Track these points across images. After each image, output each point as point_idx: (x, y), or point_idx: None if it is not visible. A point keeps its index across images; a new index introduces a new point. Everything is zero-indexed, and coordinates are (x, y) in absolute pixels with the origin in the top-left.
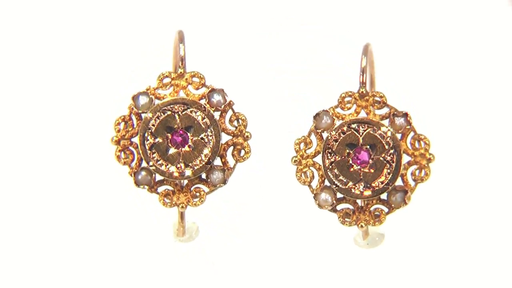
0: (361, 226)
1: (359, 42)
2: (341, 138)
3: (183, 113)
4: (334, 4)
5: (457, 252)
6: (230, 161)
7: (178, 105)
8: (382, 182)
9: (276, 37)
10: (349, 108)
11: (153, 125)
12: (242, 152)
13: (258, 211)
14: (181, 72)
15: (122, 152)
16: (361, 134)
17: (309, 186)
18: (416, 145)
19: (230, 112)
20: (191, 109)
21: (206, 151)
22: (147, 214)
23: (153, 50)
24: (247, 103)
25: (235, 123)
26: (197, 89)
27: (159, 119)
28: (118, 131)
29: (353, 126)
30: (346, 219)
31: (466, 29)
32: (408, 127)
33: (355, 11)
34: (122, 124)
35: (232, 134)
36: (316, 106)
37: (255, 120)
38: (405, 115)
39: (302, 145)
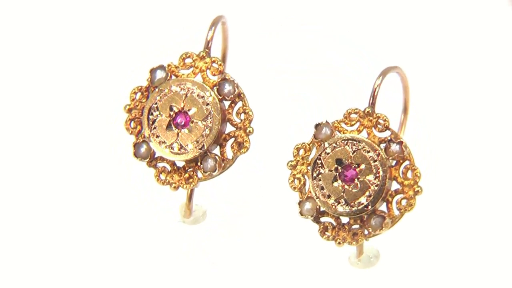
0: (338, 243)
1: (359, 42)
2: (332, 152)
3: (190, 95)
4: (334, 4)
5: (457, 255)
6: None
7: (188, 86)
8: (361, 203)
9: (276, 37)
10: (352, 125)
11: (160, 100)
12: (241, 145)
13: (258, 211)
14: (203, 55)
15: (132, 122)
16: (353, 152)
17: (299, 192)
18: (408, 174)
19: (240, 104)
20: (197, 92)
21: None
22: (147, 215)
23: (153, 50)
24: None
25: (242, 116)
26: (214, 75)
27: (166, 95)
28: (133, 100)
29: (347, 142)
30: (326, 233)
31: (466, 29)
32: (402, 155)
33: (355, 11)
34: (138, 94)
35: (235, 126)
36: (316, 106)
37: (255, 120)
38: (400, 143)
39: (301, 151)
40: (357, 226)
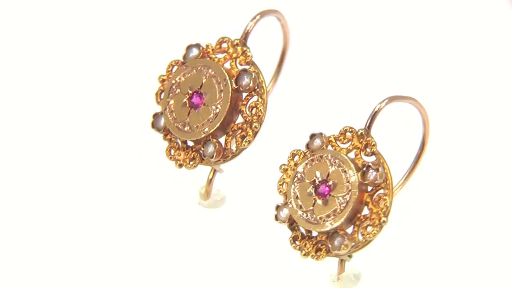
0: (304, 255)
1: (365, 42)
2: (314, 164)
3: (209, 79)
4: (337, 4)
5: (457, 255)
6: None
7: (210, 70)
8: (323, 219)
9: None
10: (345, 143)
11: (183, 77)
12: (244, 139)
13: (258, 212)
14: (236, 43)
15: (162, 93)
16: (331, 168)
17: (284, 196)
18: (379, 203)
19: (255, 99)
20: (217, 78)
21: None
22: (167, 194)
23: (154, 50)
24: None
25: (253, 110)
26: (241, 65)
27: (189, 74)
28: (168, 71)
29: (329, 158)
30: (296, 242)
31: (466, 29)
32: (376, 182)
33: (356, 11)
34: (175, 68)
35: (245, 119)
36: (318, 107)
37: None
38: (377, 170)
39: (296, 157)
40: (322, 241)
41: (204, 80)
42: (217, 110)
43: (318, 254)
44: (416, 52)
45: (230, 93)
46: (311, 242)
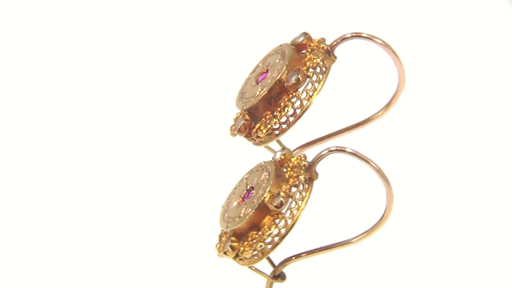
0: (218, 253)
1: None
2: (254, 173)
3: (274, 64)
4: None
5: (457, 255)
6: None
7: (281, 59)
8: (227, 220)
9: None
10: (288, 171)
11: (268, 56)
12: (261, 127)
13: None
14: (321, 47)
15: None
16: (261, 179)
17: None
18: (270, 225)
19: (288, 98)
20: (279, 67)
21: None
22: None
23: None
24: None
25: (285, 109)
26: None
27: (270, 56)
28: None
29: (265, 170)
30: (220, 239)
31: (466, 29)
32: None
33: (356, 11)
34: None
35: (272, 112)
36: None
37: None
38: (272, 196)
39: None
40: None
41: (272, 65)
42: (261, 92)
43: (220, 255)
44: (416, 52)
45: (274, 81)
46: (221, 242)
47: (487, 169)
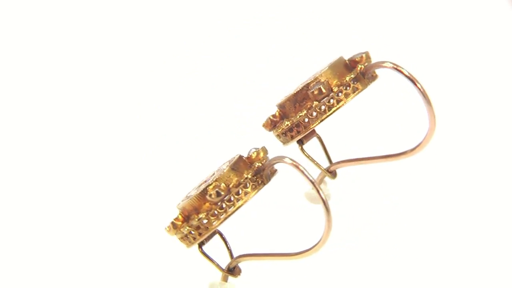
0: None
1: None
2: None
3: (319, 75)
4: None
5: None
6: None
7: (323, 76)
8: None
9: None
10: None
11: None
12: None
13: (257, 212)
14: (362, 75)
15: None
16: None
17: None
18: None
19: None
20: (321, 75)
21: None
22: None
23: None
24: (249, 104)
25: (302, 113)
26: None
27: (322, 70)
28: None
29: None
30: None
31: (466, 29)
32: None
33: (356, 11)
34: None
35: (295, 114)
36: None
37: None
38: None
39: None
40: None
41: (316, 76)
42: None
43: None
44: (416, 52)
45: (303, 86)
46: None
47: (487, 169)
